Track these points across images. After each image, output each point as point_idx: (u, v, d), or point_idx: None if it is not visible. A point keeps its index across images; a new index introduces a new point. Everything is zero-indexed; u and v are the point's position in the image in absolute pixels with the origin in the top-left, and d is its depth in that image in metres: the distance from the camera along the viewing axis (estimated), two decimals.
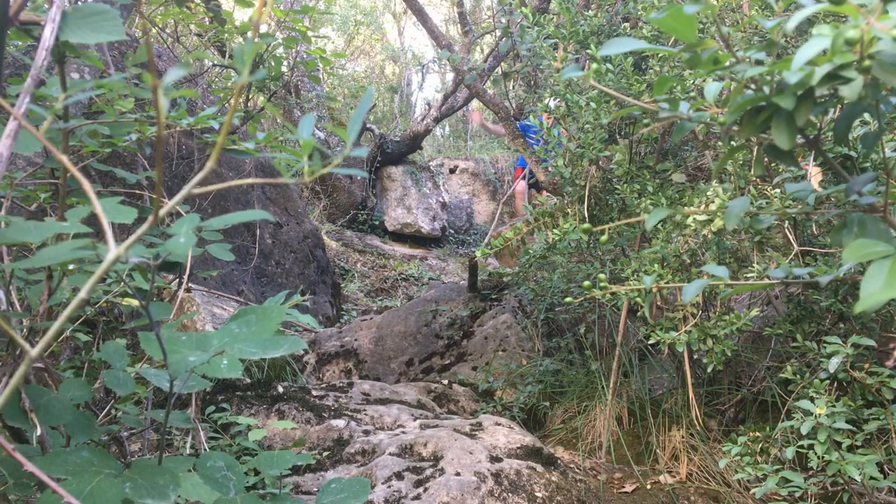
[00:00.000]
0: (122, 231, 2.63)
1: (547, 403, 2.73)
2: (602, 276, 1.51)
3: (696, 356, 2.29)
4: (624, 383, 2.54)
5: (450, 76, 10.80)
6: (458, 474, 1.77)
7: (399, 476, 1.81)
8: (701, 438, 2.19)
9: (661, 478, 2.11)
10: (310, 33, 2.66)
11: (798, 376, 1.82)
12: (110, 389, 1.21)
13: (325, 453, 2.07)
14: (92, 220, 0.93)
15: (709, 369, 1.83)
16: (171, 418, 1.15)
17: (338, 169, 0.66)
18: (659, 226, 1.96)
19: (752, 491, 1.89)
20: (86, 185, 0.55)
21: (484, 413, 2.64)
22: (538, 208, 2.55)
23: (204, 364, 0.80)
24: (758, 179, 1.95)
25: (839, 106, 1.09)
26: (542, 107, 2.49)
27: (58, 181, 1.21)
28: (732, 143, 1.03)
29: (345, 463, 2.02)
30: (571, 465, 2.14)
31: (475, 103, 7.16)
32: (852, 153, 1.38)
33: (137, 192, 1.83)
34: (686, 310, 1.93)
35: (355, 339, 3.54)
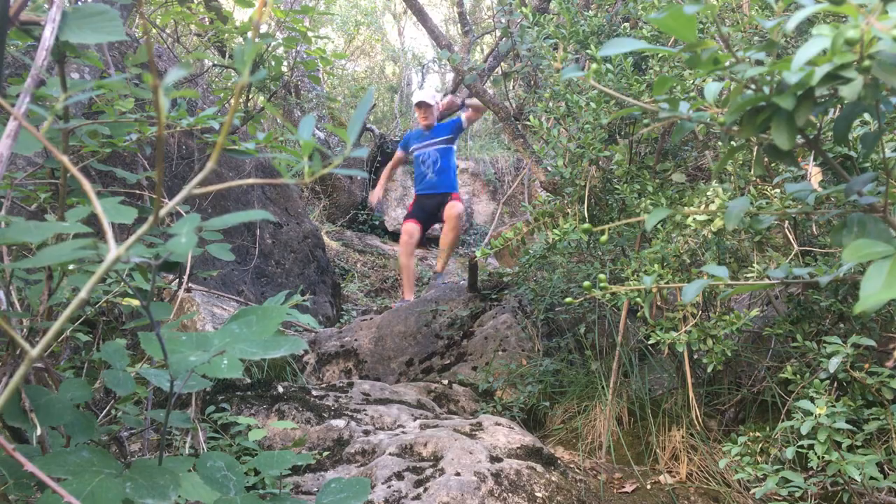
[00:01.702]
0: (122, 231, 2.63)
1: (547, 403, 2.73)
2: (602, 276, 1.51)
3: (696, 356, 2.29)
4: (624, 383, 2.54)
5: (450, 76, 10.81)
6: (458, 474, 1.77)
7: (399, 476, 1.81)
8: (701, 438, 2.19)
9: (661, 478, 2.11)
10: (310, 33, 2.66)
11: (798, 376, 1.82)
12: (110, 389, 1.21)
13: (325, 453, 2.07)
14: (92, 220, 0.93)
15: (709, 369, 1.83)
16: (172, 418, 1.15)
17: (338, 169, 0.66)
18: (659, 226, 1.96)
19: (752, 491, 1.89)
20: (86, 185, 0.55)
21: (484, 413, 2.64)
22: (538, 208, 2.55)
23: (204, 364, 0.80)
24: (758, 179, 1.95)
25: (839, 106, 1.09)
26: (541, 107, 2.49)
27: (58, 181, 1.21)
28: (732, 143, 1.03)
29: (345, 463, 2.02)
30: (571, 465, 2.14)
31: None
32: (852, 153, 1.38)
33: (137, 192, 1.83)
34: (686, 310, 1.93)
35: (355, 339, 3.54)
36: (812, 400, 1.59)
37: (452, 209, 4.91)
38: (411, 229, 4.98)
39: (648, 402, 2.39)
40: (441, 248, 5.07)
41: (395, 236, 8.60)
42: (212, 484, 0.90)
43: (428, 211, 5.13)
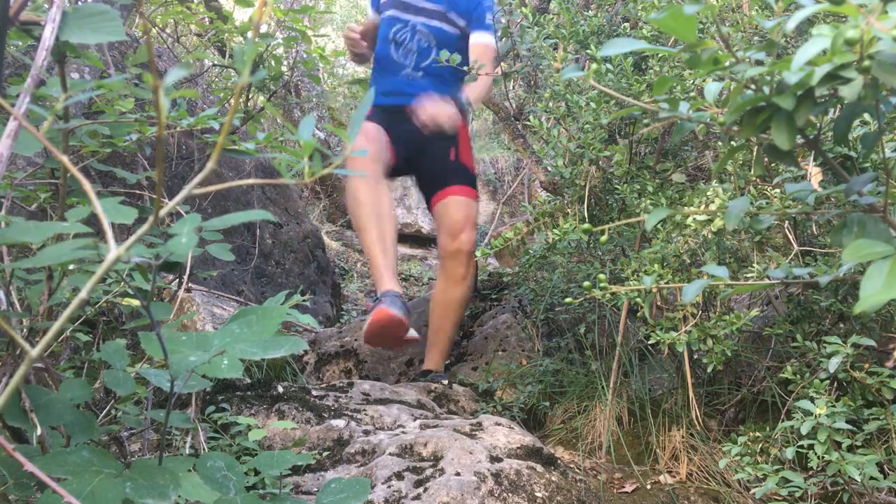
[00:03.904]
0: (122, 231, 2.63)
1: (547, 403, 2.73)
2: (602, 276, 1.51)
3: (696, 356, 2.29)
4: (624, 383, 2.54)
5: None
6: (458, 474, 1.77)
7: (399, 476, 1.81)
8: (701, 438, 2.19)
9: (661, 478, 2.11)
10: (310, 33, 2.66)
11: (798, 376, 1.82)
12: (110, 389, 1.21)
13: (325, 453, 2.06)
14: (92, 220, 0.93)
15: (709, 369, 1.83)
16: (172, 418, 1.16)
17: (338, 170, 0.66)
18: (659, 226, 1.96)
19: (752, 491, 1.89)
20: (86, 185, 0.55)
21: (484, 413, 2.64)
22: (538, 208, 2.55)
23: (204, 364, 0.80)
24: (758, 179, 1.95)
25: (839, 106, 1.09)
26: (541, 107, 2.49)
27: (58, 181, 1.21)
28: (732, 143, 1.03)
29: (345, 463, 2.02)
30: (571, 465, 2.14)
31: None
32: (852, 153, 1.38)
33: (137, 192, 1.83)
34: (686, 310, 1.93)
35: (355, 339, 3.54)
36: (812, 400, 1.59)
37: (458, 237, 2.52)
38: (372, 132, 2.46)
39: (648, 402, 2.39)
40: (434, 329, 2.74)
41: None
42: (212, 484, 0.90)
43: (399, 141, 2.59)
